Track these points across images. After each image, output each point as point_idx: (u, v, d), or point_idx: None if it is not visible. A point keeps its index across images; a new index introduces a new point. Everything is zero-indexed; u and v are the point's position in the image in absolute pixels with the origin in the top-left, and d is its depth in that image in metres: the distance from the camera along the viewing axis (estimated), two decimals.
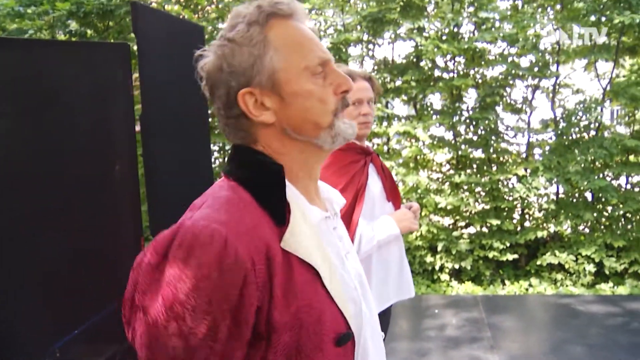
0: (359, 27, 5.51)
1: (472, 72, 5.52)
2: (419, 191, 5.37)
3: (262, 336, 0.79)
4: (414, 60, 5.59)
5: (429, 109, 5.67)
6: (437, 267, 5.34)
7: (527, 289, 5.13)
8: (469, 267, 5.25)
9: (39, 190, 2.57)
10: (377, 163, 2.15)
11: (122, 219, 3.08)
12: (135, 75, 3.08)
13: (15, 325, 2.46)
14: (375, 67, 5.75)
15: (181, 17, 4.73)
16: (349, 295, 0.91)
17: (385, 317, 2.02)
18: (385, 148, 5.80)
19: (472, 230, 5.58)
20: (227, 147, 5.93)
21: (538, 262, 5.22)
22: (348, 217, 2.00)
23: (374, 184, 2.12)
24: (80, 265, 2.72)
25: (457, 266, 5.30)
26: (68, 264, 2.63)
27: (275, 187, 0.87)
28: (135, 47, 3.06)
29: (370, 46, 5.72)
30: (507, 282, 5.26)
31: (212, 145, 5.88)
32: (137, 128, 3.05)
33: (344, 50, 5.60)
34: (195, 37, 3.44)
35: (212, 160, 5.69)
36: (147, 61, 2.90)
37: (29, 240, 2.52)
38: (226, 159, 1.18)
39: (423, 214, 5.49)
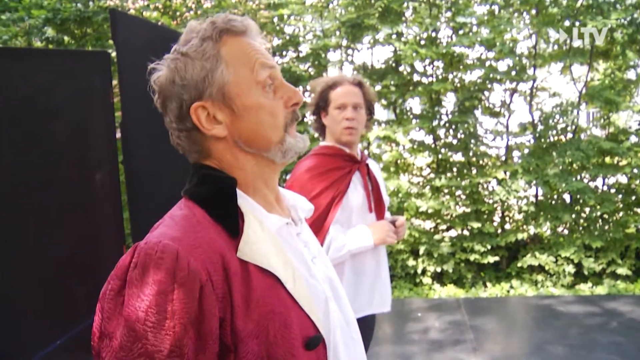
0: (337, 33, 5.56)
1: (450, 76, 5.60)
2: (400, 195, 5.40)
3: (230, 347, 0.80)
4: (393, 65, 5.66)
5: (409, 113, 5.72)
6: (419, 271, 5.39)
7: (508, 291, 5.21)
8: (450, 270, 5.31)
9: (18, 200, 2.54)
10: (364, 172, 2.12)
11: (104, 227, 3.07)
12: (115, 82, 3.05)
13: None
14: (355, 72, 5.80)
15: (160, 23, 4.73)
16: (316, 298, 0.92)
17: (365, 325, 1.99)
18: (366, 152, 5.84)
19: (453, 233, 5.64)
20: None
21: (519, 264, 5.30)
22: (320, 222, 1.98)
23: (356, 193, 2.09)
24: (62, 275, 2.70)
25: (439, 269, 5.35)
26: (49, 274, 2.61)
27: (226, 201, 0.89)
28: (114, 54, 3.03)
29: (350, 51, 5.77)
30: (488, 284, 5.34)
31: None
32: (118, 135, 3.04)
33: (323, 56, 5.64)
34: (174, 44, 3.47)
35: None
36: (126, 68, 2.89)
37: (8, 251, 2.49)
38: None
39: (404, 217, 5.52)
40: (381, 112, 6.08)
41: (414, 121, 5.61)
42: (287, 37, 5.63)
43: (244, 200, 0.91)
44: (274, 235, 0.92)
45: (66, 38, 4.97)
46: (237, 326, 0.80)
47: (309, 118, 6.14)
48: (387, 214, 2.27)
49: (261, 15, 5.53)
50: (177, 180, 3.28)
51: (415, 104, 5.83)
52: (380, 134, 5.51)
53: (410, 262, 5.42)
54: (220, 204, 0.89)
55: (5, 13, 4.70)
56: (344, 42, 5.65)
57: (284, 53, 5.79)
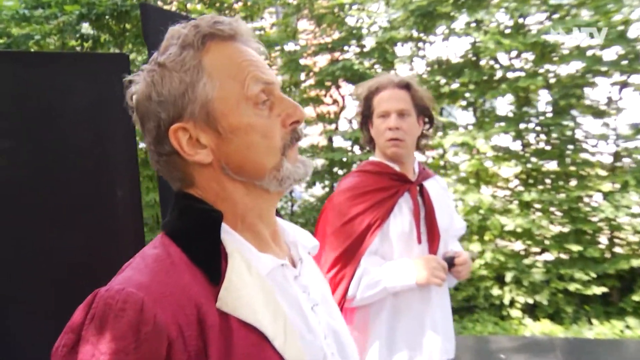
0: (407, 23, 4.90)
1: (542, 70, 4.79)
2: (481, 211, 4.68)
3: None
4: (473, 59, 4.93)
5: (491, 115, 4.98)
6: (506, 302, 4.60)
7: (622, 331, 4.32)
8: (545, 302, 4.49)
9: (34, 204, 2.22)
10: (414, 194, 1.83)
11: (124, 249, 2.72)
12: None
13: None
14: (428, 69, 5.12)
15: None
16: (312, 356, 0.81)
17: None
18: (442, 162, 5.14)
19: (547, 257, 4.81)
20: None
21: (635, 298, 4.40)
22: (351, 252, 1.76)
23: (400, 220, 1.82)
24: (75, 277, 2.41)
25: (530, 301, 4.54)
26: (61, 275, 2.32)
27: (208, 239, 0.77)
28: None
29: (421, 44, 5.09)
30: (594, 321, 4.45)
31: None
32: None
33: (390, 50, 5.00)
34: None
35: None
36: None
37: (21, 254, 2.18)
38: None
39: (487, 238, 4.79)
40: (459, 115, 5.36)
41: (497, 124, 4.84)
42: (349, 30, 5.02)
43: (230, 238, 0.80)
44: (264, 279, 0.79)
45: (103, 35, 4.57)
46: None
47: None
48: (456, 245, 2.00)
49: (319, 5, 4.96)
50: None
51: (499, 104, 5.08)
52: (457, 140, 4.81)
53: (495, 291, 4.65)
54: (201, 242, 0.78)
55: (38, 9, 4.34)
56: (414, 34, 4.97)
57: (345, 48, 5.18)
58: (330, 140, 5.38)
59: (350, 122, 5.37)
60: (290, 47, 5.36)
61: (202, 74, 0.78)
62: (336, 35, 5.17)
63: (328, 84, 5.15)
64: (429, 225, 1.84)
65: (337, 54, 5.30)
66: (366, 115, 1.90)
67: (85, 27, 4.41)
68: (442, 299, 1.87)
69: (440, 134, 4.99)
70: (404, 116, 1.80)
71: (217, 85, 0.78)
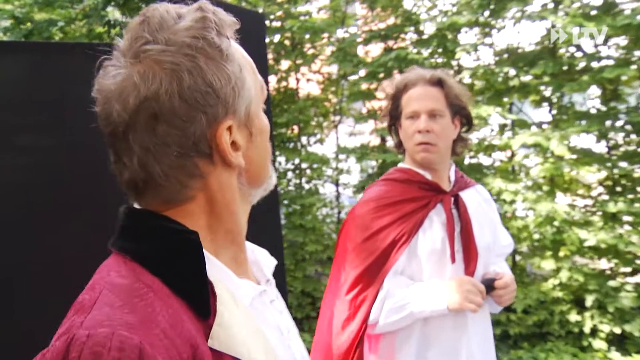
0: (472, 6, 4.31)
1: (634, 58, 4.11)
2: (556, 223, 4.05)
3: None
4: (550, 46, 4.28)
5: (570, 111, 4.32)
6: (586, 330, 3.97)
7: None
8: (636, 333, 3.83)
9: (48, 200, 2.19)
10: (448, 206, 1.66)
11: None
12: None
13: None
14: (496, 59, 4.51)
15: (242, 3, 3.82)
16: None
17: None
18: (511, 166, 4.54)
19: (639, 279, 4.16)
20: (305, 165, 4.92)
21: None
22: (374, 271, 1.61)
23: (430, 235, 1.65)
24: (88, 276, 2.17)
25: (617, 330, 3.90)
26: (72, 275, 2.10)
27: (190, 266, 0.68)
28: None
29: (488, 30, 4.48)
30: None
31: (283, 162, 4.92)
32: None
33: (451, 37, 4.42)
34: (252, 26, 2.81)
35: (277, 182, 4.71)
36: None
37: (30, 252, 2.14)
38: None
39: (562, 254, 4.17)
40: (531, 112, 4.73)
41: (577, 123, 4.19)
42: (406, 14, 4.47)
43: (210, 264, 0.71)
44: (248, 311, 0.73)
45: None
46: None
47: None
48: (502, 266, 1.81)
49: None
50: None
51: (580, 99, 4.43)
52: (527, 141, 4.19)
53: (573, 317, 4.02)
54: (183, 270, 0.67)
55: None
56: (481, 18, 4.38)
57: (401, 35, 4.63)
58: (382, 139, 4.86)
59: None
60: (339, 34, 4.85)
61: (244, 70, 0.73)
62: (391, 21, 4.63)
63: (380, 76, 4.62)
64: (465, 242, 1.66)
65: (391, 43, 4.76)
66: (394, 116, 1.73)
67: (112, 12, 4.03)
68: (480, 326, 1.68)
69: (509, 133, 4.40)
70: (436, 117, 1.63)
71: (253, 84, 0.75)
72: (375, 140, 4.94)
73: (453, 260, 1.65)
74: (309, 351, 0.92)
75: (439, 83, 1.66)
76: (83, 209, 2.22)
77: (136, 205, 0.73)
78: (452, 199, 1.69)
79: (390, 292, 1.62)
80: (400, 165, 1.79)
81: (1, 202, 2.12)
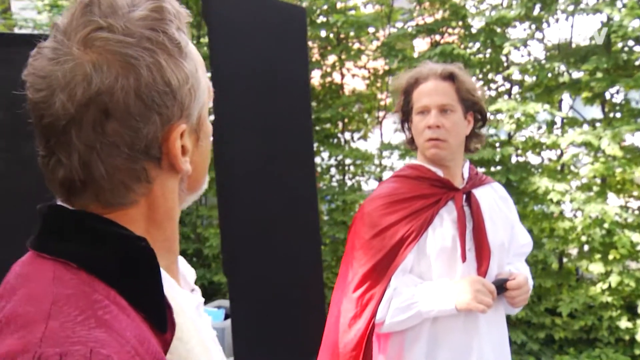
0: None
1: None
2: (606, 225, 3.91)
3: None
4: (605, 41, 4.13)
5: (625, 109, 4.16)
6: (639, 337, 3.83)
7: None
8: None
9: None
10: (459, 203, 1.63)
11: None
12: None
13: None
14: (547, 54, 4.38)
15: None
16: None
17: None
18: (559, 165, 4.42)
19: None
20: (348, 161, 4.93)
21: None
22: (381, 270, 1.58)
23: (440, 233, 1.62)
24: None
25: None
26: None
27: (149, 277, 0.63)
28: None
29: (539, 24, 4.35)
30: None
31: (325, 158, 4.94)
32: None
33: (499, 32, 4.33)
34: (294, 20, 2.81)
35: (316, 179, 4.73)
36: (221, 52, 2.43)
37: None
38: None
39: (612, 257, 4.02)
40: (582, 109, 4.58)
41: (633, 121, 4.02)
42: (454, 8, 4.41)
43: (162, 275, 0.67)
44: (193, 321, 0.70)
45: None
46: None
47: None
48: (521, 266, 1.80)
49: None
50: (292, 201, 2.59)
51: (636, 97, 4.23)
52: (577, 139, 4.07)
53: (623, 323, 3.88)
54: (139, 281, 0.62)
55: None
56: (532, 12, 4.26)
57: (448, 30, 4.57)
58: None
59: None
60: (385, 29, 4.83)
61: (198, 68, 0.68)
62: (439, 15, 4.57)
63: None
64: (478, 241, 1.63)
65: (438, 37, 4.70)
66: (406, 112, 1.71)
67: None
68: (494, 328, 1.66)
69: (558, 131, 4.28)
70: (447, 112, 1.61)
71: (205, 85, 0.71)
72: None
73: (464, 259, 1.62)
74: None
75: (450, 77, 1.64)
76: None
77: (66, 206, 0.66)
78: (464, 196, 1.66)
79: (398, 290, 1.60)
80: (412, 161, 1.78)
81: (35, 195, 2.19)
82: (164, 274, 0.67)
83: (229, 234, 2.52)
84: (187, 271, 0.81)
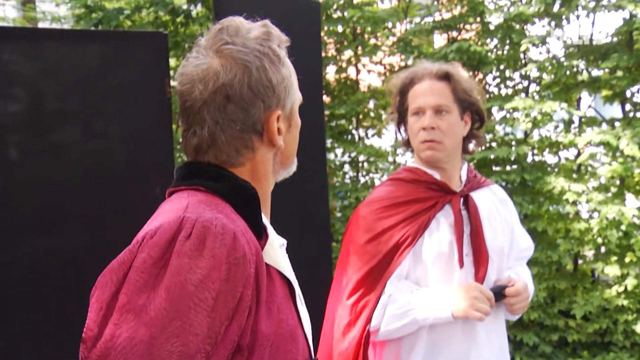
0: None
1: None
2: (623, 227, 3.91)
3: (243, 350, 0.80)
4: (627, 38, 4.13)
5: None
6: None
7: None
8: None
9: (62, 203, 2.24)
10: (457, 207, 1.61)
11: None
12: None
13: None
14: (566, 51, 4.40)
15: None
16: (308, 322, 0.98)
17: None
18: (576, 165, 4.43)
19: None
20: (361, 158, 4.99)
21: None
22: (377, 276, 1.57)
23: (437, 237, 1.61)
24: None
25: None
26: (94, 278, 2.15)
27: (252, 202, 0.91)
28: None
29: (558, 21, 4.35)
30: None
31: (339, 154, 5.00)
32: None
33: (518, 29, 4.35)
34: (307, 15, 2.84)
35: (330, 176, 4.76)
36: None
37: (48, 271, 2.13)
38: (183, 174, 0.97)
39: (629, 259, 4.03)
40: (602, 108, 4.59)
41: None
42: (472, 4, 4.42)
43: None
44: (280, 249, 0.96)
45: (200, 10, 4.37)
46: (260, 328, 0.82)
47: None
48: (523, 270, 1.78)
49: None
50: (304, 198, 2.60)
51: None
52: (595, 139, 4.08)
53: (639, 328, 3.90)
54: (246, 203, 0.90)
55: None
56: (555, 8, 4.27)
57: (464, 26, 4.60)
58: None
59: None
60: (401, 24, 4.87)
61: (292, 75, 0.97)
62: (457, 10, 4.60)
63: None
64: (475, 246, 1.61)
65: (455, 33, 4.74)
66: (401, 113, 1.70)
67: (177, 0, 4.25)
68: (493, 336, 1.64)
69: (575, 130, 4.29)
70: (442, 113, 1.59)
71: (297, 89, 0.99)
72: None
73: (461, 264, 1.59)
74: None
75: (445, 77, 1.61)
76: (158, 192, 2.26)
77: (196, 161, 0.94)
78: (462, 199, 1.64)
79: (393, 297, 1.57)
80: (409, 164, 1.76)
81: (74, 187, 2.24)
82: (263, 216, 0.92)
83: None
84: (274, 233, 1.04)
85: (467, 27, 4.67)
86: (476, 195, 1.67)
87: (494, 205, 1.72)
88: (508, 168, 4.38)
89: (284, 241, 1.02)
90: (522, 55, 4.48)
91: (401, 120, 1.73)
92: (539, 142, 4.38)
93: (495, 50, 4.52)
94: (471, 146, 1.74)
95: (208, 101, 0.89)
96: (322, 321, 1.71)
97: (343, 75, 4.99)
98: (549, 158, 4.55)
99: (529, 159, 4.48)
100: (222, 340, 0.76)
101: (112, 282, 0.76)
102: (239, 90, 0.89)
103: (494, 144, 4.58)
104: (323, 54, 4.92)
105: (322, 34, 5.00)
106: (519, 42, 4.23)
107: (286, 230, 2.69)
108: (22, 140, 2.22)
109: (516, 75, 4.57)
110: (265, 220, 0.95)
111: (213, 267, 0.75)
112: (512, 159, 4.23)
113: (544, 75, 4.47)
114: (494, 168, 4.42)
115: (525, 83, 4.57)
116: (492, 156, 4.17)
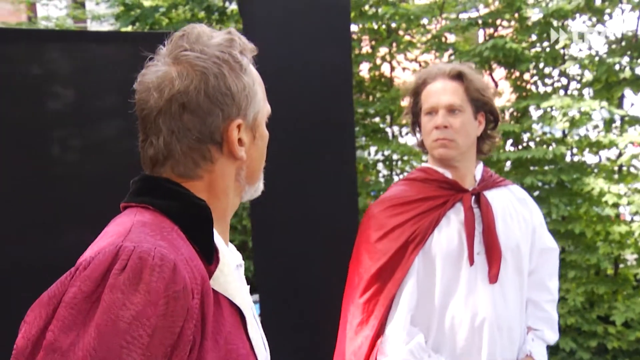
0: None
1: None
2: None
3: None
4: None
5: None
6: None
7: None
8: None
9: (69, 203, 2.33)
10: (468, 204, 1.64)
11: None
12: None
13: None
14: (608, 48, 4.40)
15: None
16: (262, 350, 0.96)
17: None
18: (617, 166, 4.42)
19: None
20: (395, 157, 5.07)
21: None
22: (384, 279, 1.59)
23: (447, 234, 1.64)
24: None
25: None
26: None
27: (203, 223, 0.88)
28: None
29: (600, 16, 4.34)
30: None
31: (372, 152, 5.10)
32: None
33: (556, 25, 4.38)
34: (335, 13, 2.85)
35: (363, 174, 4.85)
36: (256, 39, 2.37)
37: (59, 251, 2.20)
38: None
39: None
40: None
41: None
42: (506, 0, 4.47)
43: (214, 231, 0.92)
44: (234, 272, 0.94)
45: (235, 7, 4.52)
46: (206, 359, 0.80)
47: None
48: (549, 265, 1.80)
49: None
50: (331, 202, 2.69)
51: None
52: (637, 139, 4.09)
53: None
54: (198, 225, 0.88)
55: None
56: (597, 2, 4.27)
57: (501, 22, 4.64)
58: None
59: (503, 112, 4.83)
60: (436, 21, 4.94)
61: (256, 84, 0.95)
62: (494, 6, 4.63)
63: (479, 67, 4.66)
64: (488, 243, 1.63)
65: (491, 30, 4.79)
66: (415, 113, 1.75)
67: None
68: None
69: (617, 130, 4.29)
70: (455, 112, 1.64)
71: (262, 98, 0.97)
72: None
73: (471, 262, 1.63)
74: None
75: (459, 77, 1.66)
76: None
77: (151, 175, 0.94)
78: (474, 197, 1.67)
79: (390, 345, 1.59)
80: (423, 164, 1.80)
81: (115, 183, 2.36)
82: (215, 233, 0.91)
83: (260, 227, 2.63)
84: (234, 252, 1.03)
85: (505, 23, 4.71)
86: (491, 194, 1.71)
87: (512, 204, 1.75)
88: (546, 168, 4.37)
89: (241, 261, 1.02)
90: (562, 52, 4.49)
91: (415, 121, 1.77)
92: (577, 142, 4.38)
93: (533, 47, 4.53)
94: (486, 147, 1.77)
95: (163, 110, 0.88)
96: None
97: (377, 72, 5.06)
98: (589, 158, 4.55)
99: (568, 159, 4.46)
100: None
101: (40, 318, 0.73)
102: (195, 98, 0.87)
103: (531, 144, 4.62)
104: (357, 51, 5.04)
105: (356, 30, 5.13)
106: (557, 38, 4.25)
107: (311, 229, 2.75)
108: (63, 136, 2.35)
109: (555, 73, 4.55)
110: (221, 241, 0.93)
111: (149, 302, 0.73)
112: (549, 159, 4.22)
113: (586, 73, 4.47)
114: (531, 168, 4.44)
115: (565, 81, 4.56)
116: (528, 156, 4.17)
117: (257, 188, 1.02)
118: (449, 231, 1.66)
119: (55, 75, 2.33)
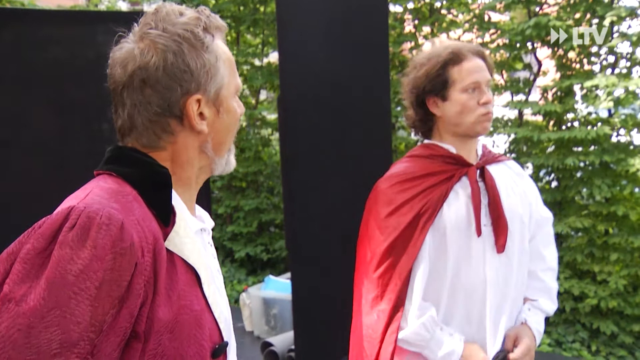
0: None
1: None
2: None
3: (140, 337, 0.86)
4: None
5: None
6: None
7: None
8: None
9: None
10: (473, 177, 1.72)
11: None
12: None
13: None
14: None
15: None
16: (221, 308, 1.03)
17: None
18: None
19: None
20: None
21: None
22: (397, 253, 1.67)
23: (456, 206, 1.71)
24: None
25: None
26: None
27: (162, 188, 0.97)
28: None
29: None
30: None
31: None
32: None
33: (604, 2, 4.38)
34: (354, 11, 2.91)
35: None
36: (291, 35, 2.63)
37: None
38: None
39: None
40: None
41: None
42: None
43: (175, 197, 1.01)
44: (194, 236, 1.02)
45: None
46: (156, 314, 0.87)
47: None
48: (546, 235, 1.90)
49: None
50: (352, 164, 2.84)
51: None
52: None
53: None
54: (156, 190, 0.96)
55: None
56: None
57: (546, 0, 4.66)
58: (520, 113, 4.97)
59: (544, 93, 4.87)
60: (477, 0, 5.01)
61: (219, 61, 1.01)
62: None
63: (518, 46, 4.72)
64: (494, 214, 1.71)
65: (537, 8, 4.82)
66: (430, 91, 1.74)
67: None
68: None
69: None
70: (488, 89, 1.73)
71: (227, 74, 1.03)
72: (511, 114, 5.07)
73: (479, 233, 1.69)
74: None
75: (483, 56, 1.74)
76: None
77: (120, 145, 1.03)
78: (478, 171, 1.75)
79: (432, 320, 1.67)
80: (426, 141, 1.83)
81: None
82: (178, 200, 1.01)
83: (292, 210, 2.71)
84: (206, 218, 1.14)
85: (550, 1, 4.74)
86: (492, 169, 1.78)
87: (511, 178, 1.83)
88: (591, 148, 4.39)
89: (206, 225, 1.09)
90: (612, 29, 4.47)
91: (421, 98, 1.76)
92: (622, 122, 4.36)
93: (577, 25, 4.51)
94: None
95: (127, 84, 0.96)
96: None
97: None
98: (637, 138, 4.54)
99: (614, 139, 4.46)
100: (112, 328, 0.81)
101: None
102: (155, 73, 0.95)
103: (576, 124, 4.66)
104: (399, 31, 5.18)
105: (400, 10, 5.26)
106: (603, 14, 4.26)
107: (345, 214, 2.80)
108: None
109: (603, 52, 4.52)
110: (183, 206, 1.01)
111: (95, 257, 0.80)
112: (591, 139, 4.23)
113: (637, 51, 4.44)
114: (573, 149, 4.49)
115: (612, 59, 4.55)
116: (570, 136, 4.20)
117: (229, 161, 1.09)
118: (458, 204, 1.71)
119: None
